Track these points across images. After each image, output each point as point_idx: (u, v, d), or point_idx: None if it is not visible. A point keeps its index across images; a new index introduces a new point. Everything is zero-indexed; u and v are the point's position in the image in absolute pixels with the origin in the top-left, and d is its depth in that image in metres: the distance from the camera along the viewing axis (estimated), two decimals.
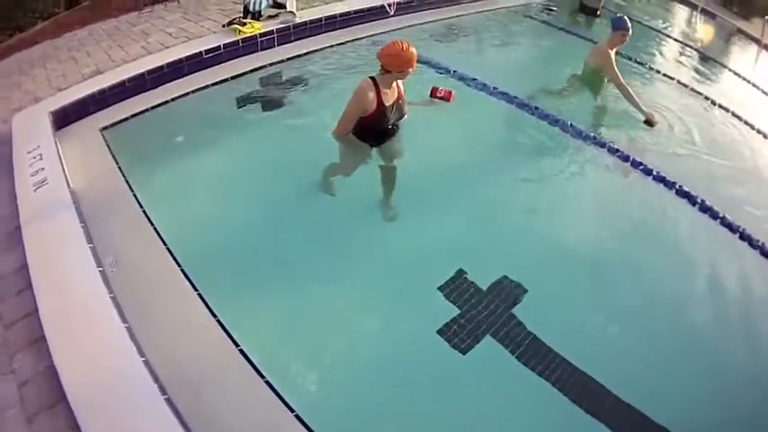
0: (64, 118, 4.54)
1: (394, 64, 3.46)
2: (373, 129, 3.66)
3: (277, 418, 2.39)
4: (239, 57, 5.92)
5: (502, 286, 3.29)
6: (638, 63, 6.87)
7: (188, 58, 5.47)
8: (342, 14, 6.90)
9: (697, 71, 7.69)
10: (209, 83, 5.36)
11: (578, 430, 2.65)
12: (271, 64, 5.88)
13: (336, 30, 6.83)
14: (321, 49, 6.30)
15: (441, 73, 5.78)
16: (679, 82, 6.59)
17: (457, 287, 3.25)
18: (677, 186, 4.25)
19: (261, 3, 6.39)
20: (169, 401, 2.22)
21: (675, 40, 9.01)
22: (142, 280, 3.05)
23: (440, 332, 2.97)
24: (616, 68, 5.25)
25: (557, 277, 3.49)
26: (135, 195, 3.71)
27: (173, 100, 5.03)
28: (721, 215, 4.03)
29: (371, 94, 3.51)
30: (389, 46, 3.48)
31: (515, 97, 5.37)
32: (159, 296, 2.96)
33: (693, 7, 11.09)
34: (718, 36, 10.17)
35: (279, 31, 6.26)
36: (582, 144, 4.82)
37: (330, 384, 2.72)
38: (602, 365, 2.84)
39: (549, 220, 4.02)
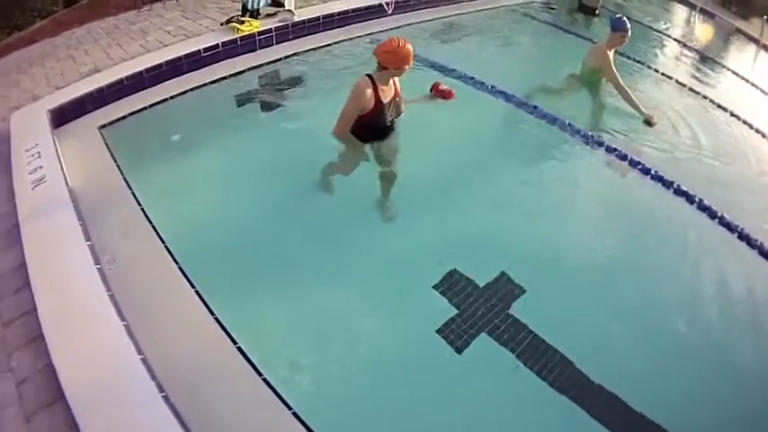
0: (62, 116, 4.54)
1: (391, 61, 3.46)
2: (371, 127, 3.66)
3: (275, 417, 2.39)
4: (238, 55, 5.92)
5: (500, 285, 3.29)
6: (637, 62, 6.87)
7: (186, 56, 5.47)
8: (340, 13, 6.90)
9: (696, 71, 7.69)
10: (207, 81, 5.36)
11: (576, 429, 2.66)
12: (269, 62, 5.88)
13: (335, 28, 6.84)
14: (319, 48, 6.30)
15: (439, 71, 5.78)
16: (677, 81, 6.59)
17: (455, 286, 3.26)
18: (675, 186, 4.25)
19: (259, 1, 6.40)
20: (167, 399, 2.23)
21: (674, 39, 9.01)
22: (140, 278, 3.05)
23: (439, 331, 2.97)
24: (615, 70, 5.25)
25: (555, 276, 3.49)
26: (133, 193, 3.71)
27: (171, 98, 5.04)
28: (719, 214, 4.03)
29: (369, 92, 3.51)
30: (386, 43, 3.48)
31: (513, 96, 5.38)
32: (157, 294, 2.97)
33: (692, 7, 11.09)
34: (717, 36, 10.17)
35: (277, 29, 6.26)
36: (580, 143, 4.82)
37: (328, 383, 2.72)
38: (600, 364, 2.85)
39: (547, 218, 4.02)
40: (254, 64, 5.79)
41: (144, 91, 5.11)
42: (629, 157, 4.56)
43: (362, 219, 3.81)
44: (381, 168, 3.91)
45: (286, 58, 6.01)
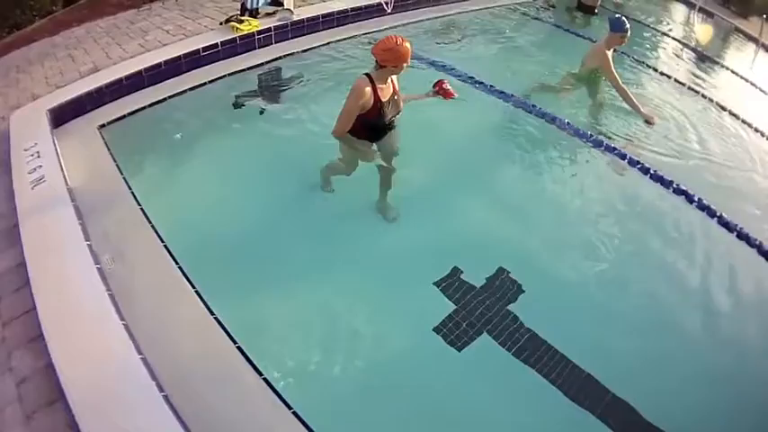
0: (62, 116, 4.54)
1: (389, 59, 3.46)
2: (371, 126, 3.65)
3: (274, 416, 2.40)
4: (237, 54, 5.92)
5: (498, 283, 3.31)
6: (636, 61, 6.88)
7: (186, 55, 5.47)
8: (339, 12, 6.90)
9: (694, 70, 7.70)
10: (206, 80, 5.36)
11: (575, 426, 2.67)
12: (268, 61, 5.88)
13: (334, 27, 6.84)
14: (318, 47, 6.30)
15: (438, 70, 5.78)
16: (676, 80, 6.60)
17: (453, 284, 3.27)
18: (674, 185, 4.26)
19: (258, 0, 6.39)
20: (167, 399, 2.23)
21: (673, 38, 9.02)
22: (140, 277, 3.06)
23: (436, 329, 2.98)
24: (614, 70, 5.24)
25: (553, 274, 3.50)
26: (133, 193, 3.71)
27: (170, 97, 5.03)
28: (718, 213, 4.04)
29: (368, 91, 3.51)
30: (384, 41, 3.48)
31: (512, 95, 5.38)
32: (157, 294, 2.97)
33: (691, 6, 11.09)
34: (716, 35, 10.17)
35: (276, 28, 6.26)
36: (579, 142, 4.83)
37: (327, 382, 2.73)
38: (599, 362, 2.86)
39: (545, 217, 4.03)
40: (254, 63, 5.79)
41: (143, 90, 5.10)
42: (627, 157, 4.57)
43: (363, 218, 3.82)
44: (382, 167, 3.91)
45: (285, 57, 6.01)
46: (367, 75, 3.55)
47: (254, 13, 6.34)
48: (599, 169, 4.65)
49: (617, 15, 5.58)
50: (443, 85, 4.02)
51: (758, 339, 3.24)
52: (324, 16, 6.74)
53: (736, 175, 4.81)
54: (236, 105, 5.16)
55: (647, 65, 6.95)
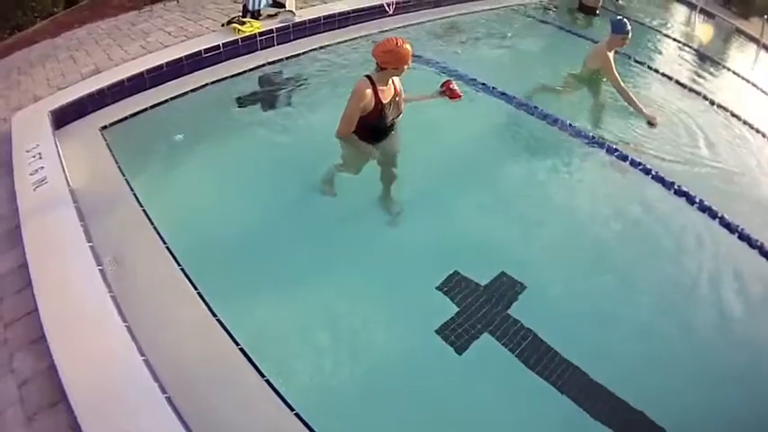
0: (63, 117, 4.54)
1: (389, 60, 3.47)
2: (372, 127, 3.66)
3: (277, 417, 2.40)
4: (239, 56, 5.92)
5: (500, 285, 3.30)
6: (637, 62, 6.88)
7: (187, 57, 5.47)
8: (341, 14, 6.90)
9: (696, 71, 7.69)
10: (208, 82, 5.36)
11: (576, 427, 2.66)
12: (270, 63, 5.88)
13: (336, 29, 6.84)
14: (320, 48, 6.30)
15: (440, 72, 5.79)
16: (678, 82, 6.59)
17: (456, 286, 3.26)
18: (676, 186, 4.25)
19: (260, 2, 6.40)
20: (169, 400, 2.23)
21: (674, 39, 9.01)
22: (142, 279, 3.06)
23: (439, 331, 2.98)
24: (615, 72, 5.24)
25: (554, 275, 3.50)
26: (135, 194, 3.71)
27: (172, 99, 5.03)
28: (720, 215, 4.03)
29: (369, 93, 3.51)
30: (384, 43, 3.49)
31: (514, 97, 5.38)
32: (159, 295, 2.97)
33: (692, 7, 11.09)
34: (717, 36, 10.17)
35: (278, 30, 6.26)
36: (581, 144, 4.82)
37: (330, 383, 2.73)
38: (601, 364, 2.85)
39: (548, 219, 4.03)
40: (256, 65, 5.79)
41: (145, 92, 5.11)
42: (629, 158, 4.56)
43: (364, 219, 3.81)
44: (383, 168, 3.92)
45: (287, 58, 6.02)
46: (368, 77, 3.56)
47: (255, 15, 6.35)
48: (600, 171, 4.64)
49: (618, 17, 5.58)
50: (450, 86, 4.02)
51: (759, 340, 3.24)
52: (325, 18, 6.74)
53: (737, 176, 4.80)
54: (238, 107, 5.15)
55: (649, 66, 6.94)
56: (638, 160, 4.53)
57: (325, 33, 6.71)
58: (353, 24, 7.01)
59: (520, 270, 3.41)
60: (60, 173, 3.64)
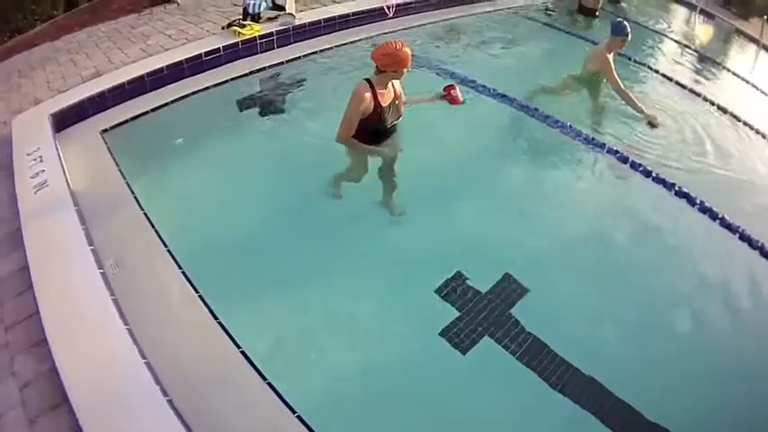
0: (64, 120, 4.54)
1: (388, 63, 3.47)
2: (372, 130, 3.66)
3: (279, 420, 2.40)
4: (239, 59, 5.92)
5: (502, 286, 3.30)
6: (637, 63, 6.88)
7: (188, 60, 5.48)
8: (341, 16, 6.91)
9: (695, 71, 7.70)
10: (208, 85, 5.36)
11: (577, 428, 2.66)
12: (270, 66, 5.89)
13: (336, 32, 6.84)
14: (320, 51, 6.31)
15: (440, 75, 5.79)
16: (677, 82, 6.59)
17: (456, 288, 3.27)
18: (676, 187, 4.25)
19: (260, 5, 6.40)
20: (171, 403, 2.23)
21: (674, 40, 9.02)
22: (143, 282, 3.06)
23: (442, 333, 2.98)
24: (615, 73, 5.25)
25: (556, 277, 3.50)
26: (135, 197, 3.71)
27: (173, 102, 5.04)
28: (720, 216, 4.03)
29: (368, 96, 3.51)
30: (383, 46, 3.49)
31: (515, 99, 5.38)
32: (160, 298, 2.97)
33: (692, 8, 11.10)
34: (717, 36, 10.18)
35: (278, 33, 6.27)
36: (581, 146, 4.83)
37: (332, 385, 2.73)
38: (602, 366, 2.86)
39: (548, 220, 4.03)
40: (256, 68, 5.79)
41: (146, 95, 5.11)
42: (630, 159, 4.56)
43: (366, 222, 3.81)
44: (384, 171, 3.92)
45: (288, 61, 6.02)
46: (367, 80, 3.56)
47: (255, 18, 6.35)
48: (601, 172, 4.64)
49: (618, 19, 5.58)
50: (452, 92, 3.98)
51: (760, 340, 3.24)
52: (325, 20, 6.75)
53: (737, 177, 4.80)
54: (239, 110, 5.16)
55: (649, 67, 6.95)
56: (638, 162, 4.53)
57: (326, 36, 6.71)
58: (354, 27, 7.02)
59: (522, 272, 3.41)
60: (61, 176, 3.65)
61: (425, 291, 3.27)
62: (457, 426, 2.61)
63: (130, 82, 5.03)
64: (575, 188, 4.46)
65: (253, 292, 3.17)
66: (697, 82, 7.06)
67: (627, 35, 5.27)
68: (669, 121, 5.45)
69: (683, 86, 6.53)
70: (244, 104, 5.24)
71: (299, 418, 2.39)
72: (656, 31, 9.15)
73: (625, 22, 5.33)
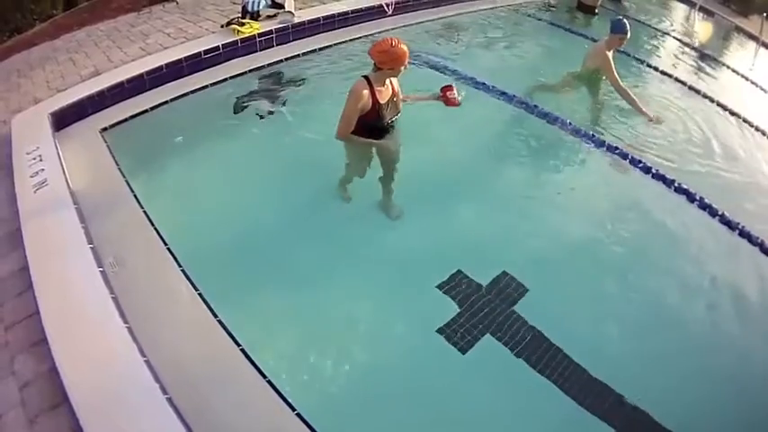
0: (63, 119, 4.54)
1: (385, 60, 3.47)
2: (371, 127, 3.65)
3: (278, 418, 2.40)
4: (238, 57, 5.92)
5: (502, 284, 3.30)
6: (637, 60, 6.88)
7: (187, 58, 5.47)
8: (340, 14, 6.90)
9: (695, 68, 7.70)
10: (208, 83, 5.36)
11: (577, 425, 2.66)
12: (269, 64, 5.88)
13: (335, 29, 6.84)
14: (320, 49, 6.30)
15: (439, 72, 5.79)
16: (677, 79, 6.59)
17: (457, 285, 3.27)
18: (676, 184, 4.25)
19: (259, 3, 6.39)
20: (170, 401, 2.23)
21: (674, 37, 9.02)
22: (143, 280, 3.06)
23: (439, 331, 2.98)
24: (615, 71, 5.24)
25: (556, 274, 3.50)
26: (135, 195, 3.71)
27: (172, 100, 5.03)
28: (720, 212, 4.03)
29: (366, 93, 3.51)
30: (380, 43, 3.48)
31: (514, 96, 5.38)
32: (160, 296, 2.97)
33: (692, 5, 11.09)
34: (717, 33, 10.18)
35: (277, 31, 6.26)
36: (581, 143, 4.83)
37: (332, 384, 2.73)
38: (603, 362, 2.86)
39: (547, 217, 4.03)
40: (255, 66, 5.79)
41: (145, 93, 5.10)
42: (629, 156, 4.56)
43: (365, 220, 3.81)
44: (383, 168, 3.92)
45: (286, 59, 6.01)
46: (365, 77, 3.56)
47: (255, 16, 6.34)
48: (601, 169, 4.65)
49: (618, 17, 5.58)
50: (448, 93, 3.92)
51: (760, 337, 3.24)
52: (325, 18, 6.74)
53: (737, 173, 4.81)
54: (238, 108, 5.16)
55: (648, 64, 6.95)
56: (638, 158, 4.53)
57: (325, 34, 6.70)
58: (353, 25, 7.00)
59: (521, 269, 3.41)
60: (61, 175, 3.64)
61: (426, 288, 3.28)
62: (457, 422, 2.61)
63: (130, 80, 5.02)
64: (574, 185, 4.45)
65: (252, 291, 3.17)
66: (696, 79, 7.06)
67: (626, 33, 5.26)
68: (668, 118, 5.45)
69: (683, 83, 6.54)
70: (243, 102, 5.24)
71: (299, 415, 2.39)
72: (655, 29, 9.15)
73: (624, 20, 5.32)
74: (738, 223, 3.94)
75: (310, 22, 6.59)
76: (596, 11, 8.91)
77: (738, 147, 5.33)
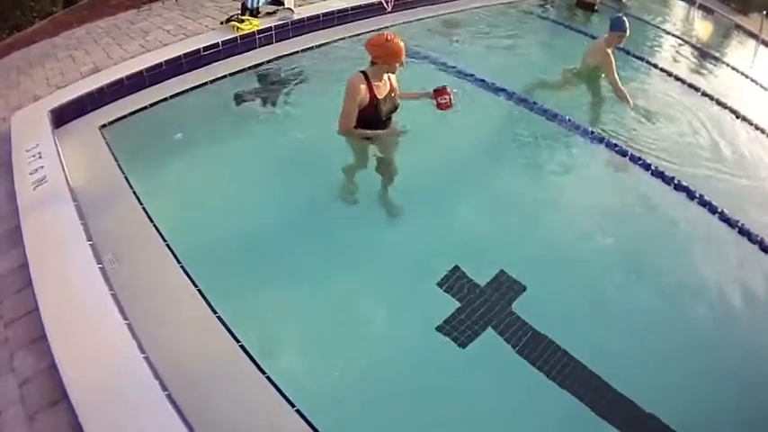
0: (63, 116, 4.54)
1: (380, 55, 3.46)
2: (368, 122, 3.65)
3: (277, 414, 2.40)
4: (237, 54, 5.92)
5: (501, 281, 3.30)
6: (636, 58, 6.87)
7: (186, 55, 5.47)
8: (339, 11, 6.90)
9: (695, 66, 7.69)
10: (207, 80, 5.36)
11: (579, 425, 2.66)
12: (269, 61, 5.88)
13: (334, 26, 6.83)
14: (319, 46, 6.30)
15: (438, 69, 5.78)
16: (676, 77, 6.58)
17: (456, 283, 3.26)
18: (675, 181, 4.25)
19: (259, 0, 6.38)
20: (170, 398, 2.23)
21: (673, 35, 9.00)
22: (142, 277, 3.06)
23: (439, 328, 2.98)
24: (615, 69, 5.24)
25: (555, 271, 3.50)
26: (134, 192, 3.72)
27: (171, 97, 5.03)
28: (720, 210, 4.03)
29: (363, 88, 3.51)
30: (375, 37, 3.49)
31: (513, 92, 5.38)
32: (159, 293, 2.97)
33: (692, 3, 11.08)
34: (717, 31, 10.17)
35: (277, 27, 6.26)
36: (580, 139, 4.82)
37: (331, 380, 2.73)
38: (601, 360, 2.85)
39: (547, 214, 4.03)
40: (255, 62, 5.79)
41: (144, 90, 5.11)
42: (629, 153, 4.56)
43: (365, 218, 3.80)
44: (382, 165, 3.91)
45: (286, 56, 6.01)
46: (362, 72, 3.56)
47: (254, 13, 6.34)
48: (600, 166, 4.64)
49: (618, 15, 5.57)
50: (439, 99, 3.79)
51: (762, 335, 3.24)
52: (324, 15, 6.74)
53: (736, 171, 4.80)
54: (237, 105, 5.16)
55: (647, 61, 6.94)
56: (637, 155, 4.53)
57: (324, 30, 6.70)
58: (352, 21, 7.00)
59: (520, 266, 3.40)
60: (60, 172, 3.64)
61: (425, 286, 3.27)
62: (456, 418, 2.60)
63: (129, 77, 5.02)
64: (573, 182, 4.44)
65: (252, 287, 3.17)
66: (696, 77, 7.05)
67: (625, 31, 5.26)
68: (667, 115, 5.45)
69: (682, 81, 6.52)
70: (242, 99, 5.23)
71: (298, 412, 2.39)
72: (655, 26, 9.14)
73: (624, 18, 5.33)
74: (738, 221, 3.94)
75: (310, 18, 6.59)
76: (595, 8, 8.90)
77: (737, 144, 5.33)
